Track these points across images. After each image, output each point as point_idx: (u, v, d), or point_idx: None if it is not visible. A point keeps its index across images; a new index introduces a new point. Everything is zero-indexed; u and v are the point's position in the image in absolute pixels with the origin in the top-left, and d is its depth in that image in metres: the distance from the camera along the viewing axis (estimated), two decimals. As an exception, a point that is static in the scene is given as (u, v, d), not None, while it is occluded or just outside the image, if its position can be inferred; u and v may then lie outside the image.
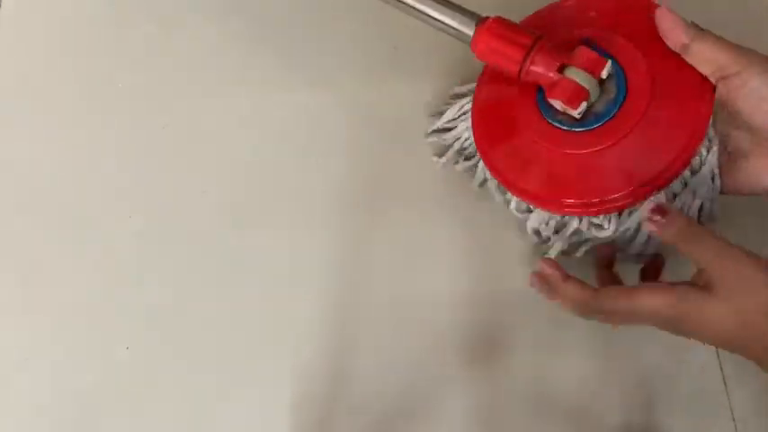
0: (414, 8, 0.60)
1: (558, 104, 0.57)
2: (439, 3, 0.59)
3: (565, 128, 0.57)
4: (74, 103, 0.83)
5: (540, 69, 0.56)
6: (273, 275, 0.71)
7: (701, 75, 0.55)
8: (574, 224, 0.62)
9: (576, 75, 0.55)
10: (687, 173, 0.57)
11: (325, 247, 0.71)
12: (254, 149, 0.78)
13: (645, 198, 0.57)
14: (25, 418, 0.68)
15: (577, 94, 0.55)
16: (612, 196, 0.57)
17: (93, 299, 0.72)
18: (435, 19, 0.60)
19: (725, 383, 0.62)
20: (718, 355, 0.63)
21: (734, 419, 0.61)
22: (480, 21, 0.58)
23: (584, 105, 0.55)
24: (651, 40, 0.57)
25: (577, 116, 0.56)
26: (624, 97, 0.56)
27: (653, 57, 0.56)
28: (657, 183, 0.56)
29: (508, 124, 0.62)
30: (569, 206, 0.59)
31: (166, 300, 0.71)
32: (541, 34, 0.57)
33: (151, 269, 0.73)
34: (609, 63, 0.55)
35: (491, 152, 0.63)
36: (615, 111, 0.56)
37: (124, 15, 0.87)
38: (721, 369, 0.63)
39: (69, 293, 0.72)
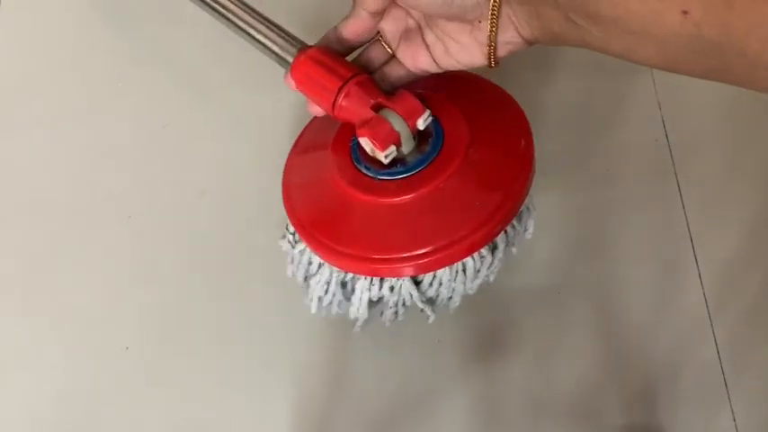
0: (242, 30, 0.58)
1: (367, 146, 0.52)
2: (267, 26, 0.56)
3: (370, 174, 0.53)
4: (74, 102, 0.83)
5: (353, 103, 0.51)
6: (273, 275, 0.71)
7: (521, 150, 0.53)
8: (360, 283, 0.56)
9: (391, 116, 0.50)
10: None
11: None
12: (253, 149, 0.78)
13: (425, 269, 0.52)
14: (25, 418, 0.68)
15: (387, 136, 0.50)
16: (387, 256, 0.51)
17: (93, 299, 0.72)
18: (261, 43, 0.57)
19: (725, 383, 0.62)
20: (718, 355, 0.63)
21: (734, 419, 0.61)
22: (303, 48, 0.55)
23: (392, 149, 0.51)
24: (476, 108, 0.55)
25: (385, 161, 0.51)
26: (436, 155, 0.52)
27: (475, 123, 0.54)
28: (442, 255, 0.50)
29: (317, 173, 0.57)
30: (354, 259, 0.52)
31: (166, 300, 0.71)
32: (363, 71, 0.53)
33: (151, 269, 0.73)
34: (427, 113, 0.51)
35: (295, 197, 0.58)
36: (423, 167, 0.52)
37: (124, 16, 0.87)
38: (722, 369, 0.63)
39: (69, 293, 0.72)
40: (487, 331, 0.66)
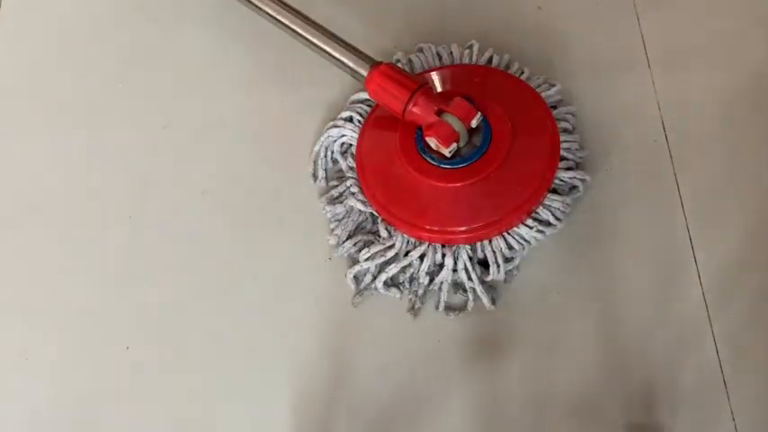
0: (320, 48, 0.68)
1: (432, 143, 0.64)
2: (341, 45, 0.67)
3: (435, 163, 0.65)
4: (74, 103, 0.83)
5: (420, 110, 0.63)
6: (273, 275, 0.71)
7: (552, 143, 0.66)
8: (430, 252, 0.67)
9: (451, 119, 0.63)
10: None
11: (324, 246, 0.71)
12: (254, 150, 0.78)
13: (479, 240, 0.65)
14: (25, 418, 0.68)
15: (450, 136, 0.63)
16: (453, 228, 0.65)
17: (93, 299, 0.72)
18: (337, 59, 0.68)
19: (725, 383, 0.62)
20: (718, 355, 0.63)
21: (734, 419, 0.61)
22: (374, 64, 0.65)
23: (454, 146, 0.63)
24: (518, 108, 0.67)
25: (448, 155, 0.64)
26: (487, 148, 0.65)
27: (517, 121, 0.66)
28: (493, 228, 0.65)
29: (389, 156, 0.69)
30: (426, 231, 0.66)
31: (166, 300, 0.71)
32: (426, 82, 0.66)
33: (151, 269, 0.73)
34: (479, 114, 0.64)
35: (370, 177, 0.70)
36: (477, 158, 0.64)
37: (124, 16, 0.87)
38: (721, 369, 0.63)
39: (69, 293, 0.72)
40: (487, 331, 0.66)
